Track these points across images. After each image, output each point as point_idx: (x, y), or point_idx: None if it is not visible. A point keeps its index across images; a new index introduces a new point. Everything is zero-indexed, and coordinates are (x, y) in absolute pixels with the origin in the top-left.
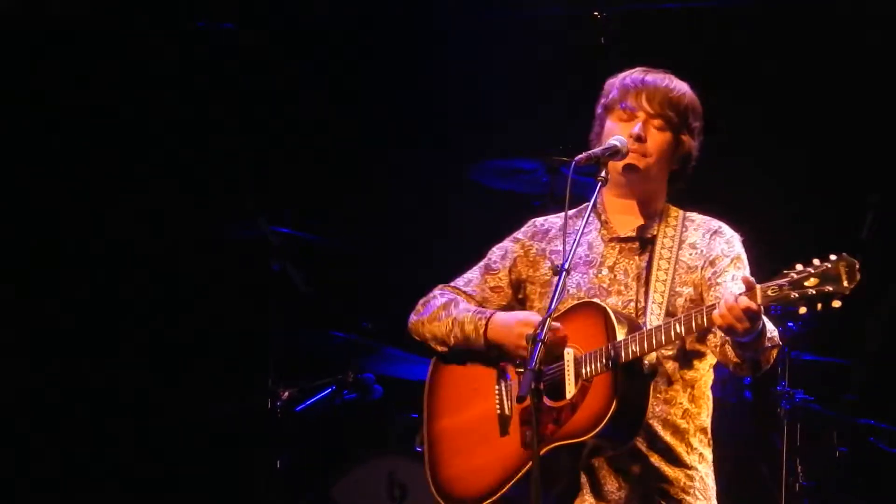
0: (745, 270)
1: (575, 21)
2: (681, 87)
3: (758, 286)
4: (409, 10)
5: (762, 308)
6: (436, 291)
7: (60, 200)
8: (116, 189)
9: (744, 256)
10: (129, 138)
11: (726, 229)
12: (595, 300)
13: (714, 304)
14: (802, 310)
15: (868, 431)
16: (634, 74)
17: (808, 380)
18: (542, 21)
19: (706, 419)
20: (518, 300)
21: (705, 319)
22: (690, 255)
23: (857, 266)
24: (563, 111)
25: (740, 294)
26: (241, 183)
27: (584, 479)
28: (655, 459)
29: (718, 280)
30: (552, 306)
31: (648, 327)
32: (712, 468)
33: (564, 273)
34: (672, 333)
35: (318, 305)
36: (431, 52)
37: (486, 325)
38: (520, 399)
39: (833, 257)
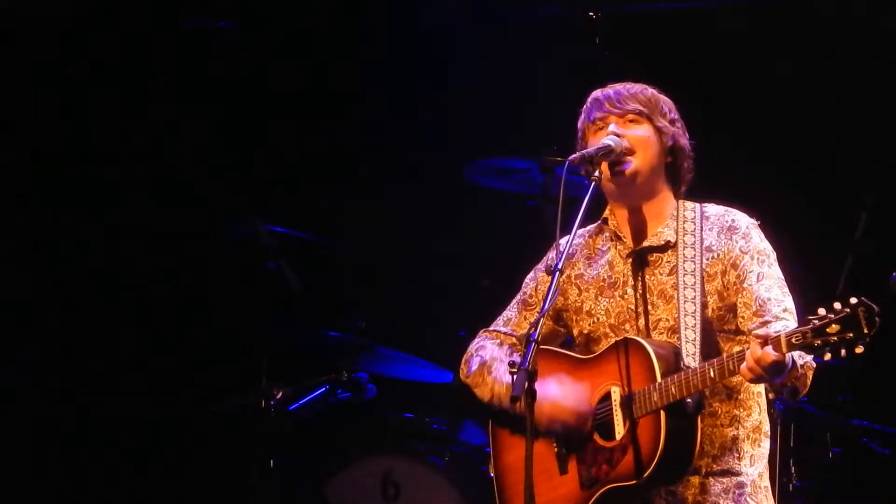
0: (769, 260)
1: (571, 21)
2: (639, 85)
3: (782, 335)
4: (405, 9)
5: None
6: (474, 343)
7: (55, 201)
8: (112, 190)
9: (763, 246)
10: (123, 139)
11: (741, 220)
12: (637, 339)
13: (743, 354)
14: (827, 356)
15: (861, 432)
16: (593, 94)
17: None
18: (538, 21)
19: (758, 416)
20: (561, 327)
21: (737, 366)
22: (708, 259)
23: (877, 311)
24: (558, 111)
25: (765, 346)
26: (236, 182)
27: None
28: (700, 477)
29: (744, 284)
30: (545, 307)
31: (685, 357)
32: (766, 465)
33: (558, 273)
34: (707, 379)
35: (313, 304)
36: (428, 52)
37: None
38: (512, 399)
39: (853, 301)
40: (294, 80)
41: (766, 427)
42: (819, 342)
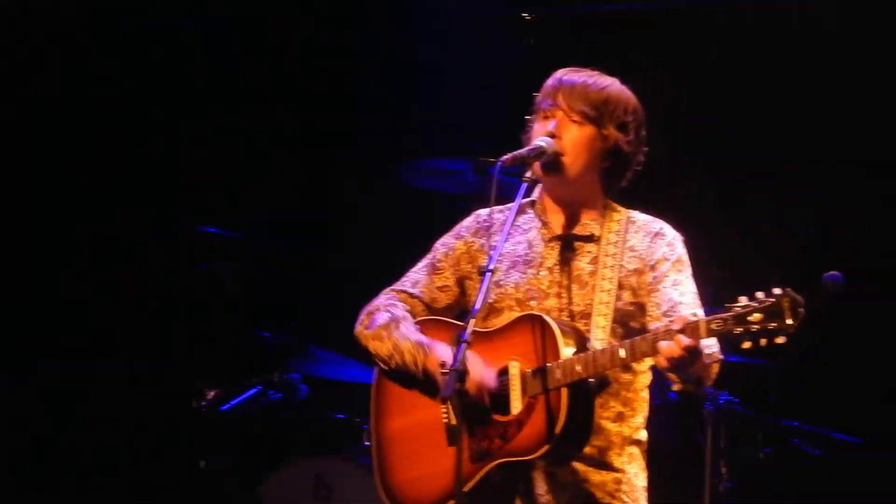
0: (687, 272)
1: (504, 22)
2: (602, 81)
3: (701, 320)
4: (342, 10)
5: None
6: (381, 300)
7: None
8: (46, 187)
9: (685, 258)
10: (61, 137)
11: (668, 230)
12: (542, 315)
13: (657, 334)
14: (746, 345)
15: (791, 433)
16: (557, 74)
17: (731, 381)
18: (471, 22)
19: (641, 420)
20: (463, 295)
21: (650, 348)
22: (629, 257)
23: (802, 303)
24: (492, 111)
25: (681, 330)
26: (172, 182)
27: (519, 481)
28: (584, 464)
29: (659, 286)
30: (477, 307)
31: (593, 340)
32: (643, 465)
33: (490, 274)
34: (616, 358)
35: (245, 305)
36: (363, 53)
37: (425, 357)
38: (443, 400)
39: (777, 291)
40: (234, 79)
41: (645, 435)
42: (740, 330)
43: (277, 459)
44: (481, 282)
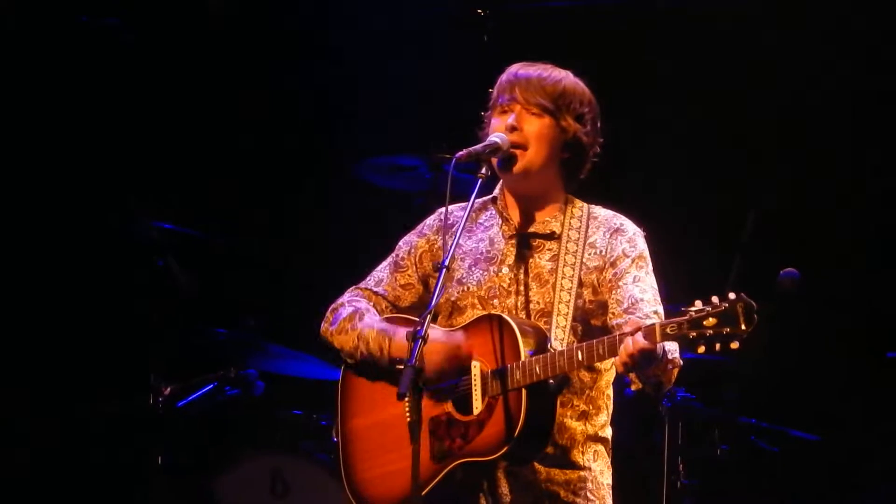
0: (648, 268)
1: (458, 19)
2: (557, 74)
3: (657, 324)
4: (295, 9)
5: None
6: (345, 297)
7: None
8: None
9: (646, 254)
10: (10, 133)
11: (628, 226)
12: (502, 315)
13: (614, 338)
14: (701, 349)
15: (749, 430)
16: (511, 69)
17: (689, 378)
18: (425, 20)
19: (605, 418)
20: (427, 293)
21: (606, 351)
22: (589, 254)
23: (755, 308)
24: (447, 108)
25: (638, 334)
26: (125, 178)
27: (482, 480)
28: (547, 464)
29: (619, 283)
30: (433, 303)
31: (553, 340)
32: (609, 462)
33: (445, 270)
34: (574, 361)
35: (201, 301)
36: (318, 49)
37: (390, 344)
38: (399, 396)
39: (732, 296)
40: (192, 77)
41: (608, 434)
42: (694, 334)
43: (234, 456)
44: (437, 278)
